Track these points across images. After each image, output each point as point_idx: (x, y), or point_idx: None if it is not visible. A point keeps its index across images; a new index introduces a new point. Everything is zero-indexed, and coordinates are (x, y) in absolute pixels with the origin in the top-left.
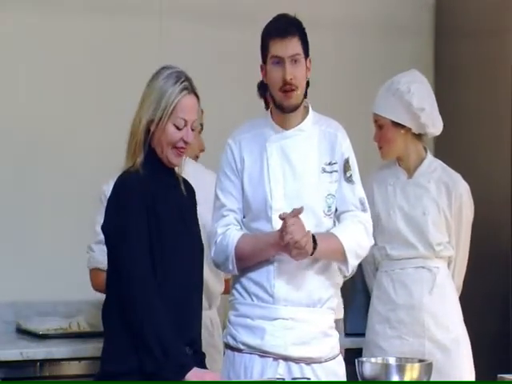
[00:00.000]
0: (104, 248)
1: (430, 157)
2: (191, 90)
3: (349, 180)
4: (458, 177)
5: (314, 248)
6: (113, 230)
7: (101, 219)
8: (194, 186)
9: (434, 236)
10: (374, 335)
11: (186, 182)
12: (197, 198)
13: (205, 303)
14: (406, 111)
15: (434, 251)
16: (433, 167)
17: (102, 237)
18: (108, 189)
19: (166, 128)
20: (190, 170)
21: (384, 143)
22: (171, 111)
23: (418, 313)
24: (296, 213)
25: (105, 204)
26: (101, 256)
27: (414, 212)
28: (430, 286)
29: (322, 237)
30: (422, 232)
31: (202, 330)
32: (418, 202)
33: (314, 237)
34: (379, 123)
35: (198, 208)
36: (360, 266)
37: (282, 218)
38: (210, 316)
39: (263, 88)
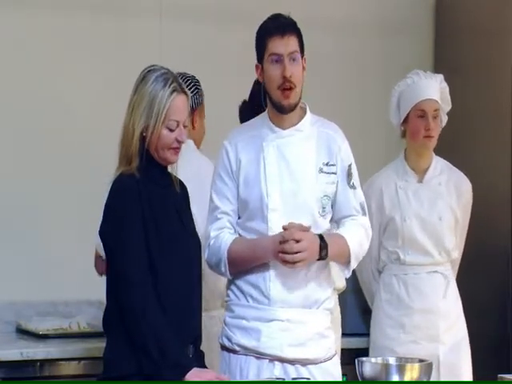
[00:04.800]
0: None
1: (435, 156)
2: (180, 89)
3: (352, 186)
4: (462, 175)
5: (326, 250)
6: (110, 236)
7: None
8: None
9: (449, 241)
10: (388, 340)
11: (178, 179)
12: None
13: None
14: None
15: (449, 256)
16: (439, 168)
17: None
18: None
19: (161, 133)
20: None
21: (436, 134)
22: (164, 116)
23: (433, 317)
24: (305, 229)
25: None
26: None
27: (430, 218)
28: (443, 291)
29: (332, 240)
30: (438, 239)
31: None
32: (433, 207)
33: (324, 240)
34: (437, 112)
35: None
36: None
37: (285, 228)
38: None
39: (254, 97)
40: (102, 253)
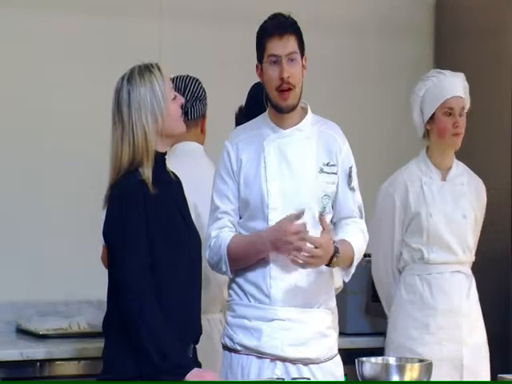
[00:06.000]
0: None
1: (454, 157)
2: (158, 65)
3: (352, 188)
4: (478, 177)
5: (336, 261)
6: (113, 239)
7: None
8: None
9: (471, 240)
10: (409, 341)
11: (173, 173)
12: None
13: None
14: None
15: (471, 255)
16: (459, 169)
17: None
18: None
19: (170, 110)
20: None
21: (463, 131)
22: (165, 97)
23: (457, 318)
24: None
25: None
26: None
27: (455, 216)
28: (466, 291)
29: (343, 250)
30: (462, 237)
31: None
32: (457, 204)
33: (337, 251)
34: (463, 110)
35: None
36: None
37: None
38: (209, 316)
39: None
40: None
